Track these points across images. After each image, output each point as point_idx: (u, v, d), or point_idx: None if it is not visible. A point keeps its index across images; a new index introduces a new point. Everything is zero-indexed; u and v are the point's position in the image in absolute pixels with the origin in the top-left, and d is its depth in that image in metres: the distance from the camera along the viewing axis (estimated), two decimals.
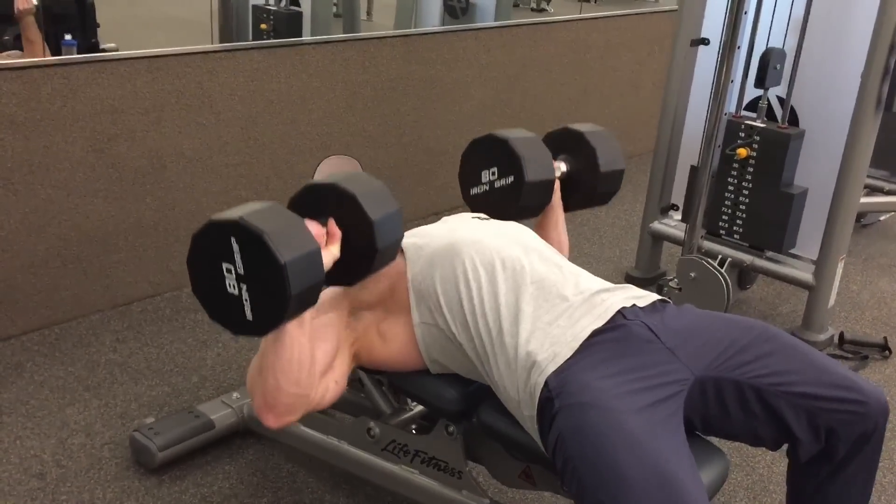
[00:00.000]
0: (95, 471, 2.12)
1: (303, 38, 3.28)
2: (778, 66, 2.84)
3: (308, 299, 1.41)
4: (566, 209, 2.08)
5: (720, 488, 1.57)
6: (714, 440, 1.62)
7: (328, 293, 1.70)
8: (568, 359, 1.47)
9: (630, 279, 3.34)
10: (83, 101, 2.62)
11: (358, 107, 3.37)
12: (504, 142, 1.91)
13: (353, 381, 2.19)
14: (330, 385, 1.61)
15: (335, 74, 3.25)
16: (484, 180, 1.96)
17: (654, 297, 1.65)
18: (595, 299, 1.58)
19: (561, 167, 2.04)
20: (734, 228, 3.01)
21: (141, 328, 2.78)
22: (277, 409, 1.52)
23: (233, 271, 1.36)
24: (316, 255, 1.40)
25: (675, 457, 1.34)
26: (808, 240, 2.93)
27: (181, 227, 2.97)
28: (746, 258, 2.99)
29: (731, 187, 2.97)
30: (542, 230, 2.03)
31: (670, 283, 2.87)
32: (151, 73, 2.74)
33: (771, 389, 1.51)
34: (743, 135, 2.89)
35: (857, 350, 2.92)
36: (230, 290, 1.37)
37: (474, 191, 1.99)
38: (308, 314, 1.47)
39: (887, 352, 2.91)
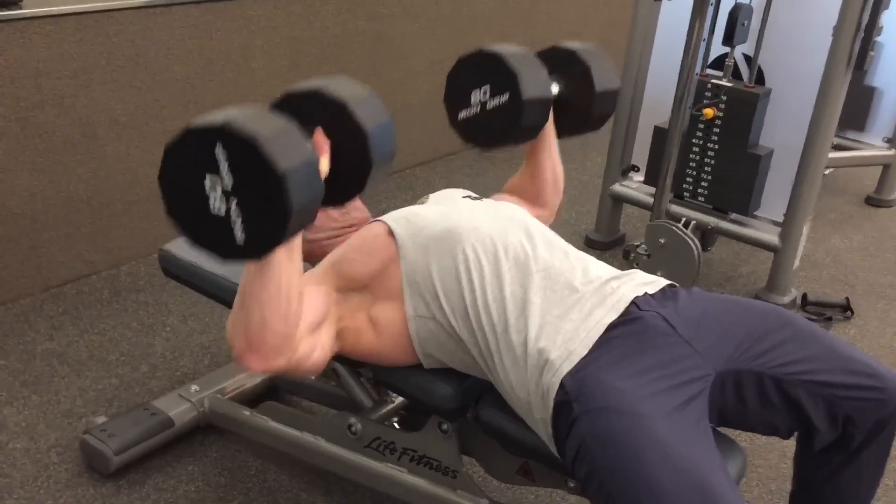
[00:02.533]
0: (44, 479, 1.93)
1: None
2: (745, 23, 2.75)
3: (307, 217, 1.21)
4: (558, 135, 1.90)
5: (739, 483, 1.50)
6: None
7: (316, 269, 1.55)
8: (583, 357, 1.35)
9: (590, 242, 3.26)
10: (3, 64, 2.35)
11: (303, 65, 3.16)
12: (496, 57, 1.72)
13: (329, 372, 2.05)
14: (316, 346, 1.45)
15: (278, 31, 3.02)
16: (474, 101, 1.76)
17: (663, 282, 1.55)
18: (606, 289, 1.46)
19: (553, 88, 1.83)
20: (699, 191, 2.94)
21: (78, 313, 2.55)
22: (263, 349, 1.32)
23: (218, 186, 1.15)
24: (315, 163, 1.21)
25: (710, 463, 1.25)
26: (772, 201, 2.88)
27: (116, 199, 2.74)
28: (711, 221, 2.93)
29: (695, 149, 2.89)
30: (535, 158, 1.88)
31: (638, 249, 2.79)
32: (79, 31, 2.47)
33: (790, 379, 1.43)
34: (709, 94, 2.81)
35: (820, 311, 2.91)
36: (215, 209, 1.16)
37: (463, 114, 1.78)
38: (298, 240, 1.30)
39: (849, 312, 2.90)
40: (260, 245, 1.19)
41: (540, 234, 1.56)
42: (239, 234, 1.17)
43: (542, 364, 1.37)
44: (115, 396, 2.20)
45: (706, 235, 3.06)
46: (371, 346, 1.55)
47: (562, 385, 1.33)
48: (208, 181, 1.15)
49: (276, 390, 2.22)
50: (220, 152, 1.13)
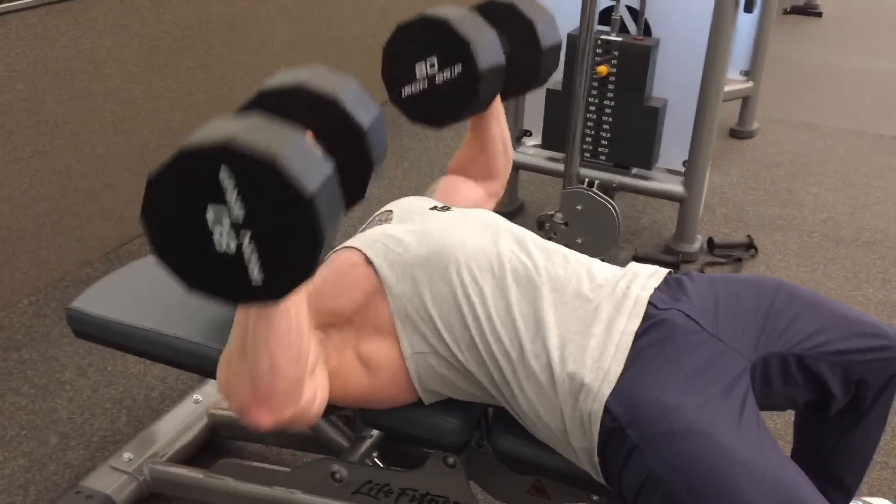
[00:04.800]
0: None
1: None
2: None
3: (331, 242, 1.02)
4: (502, 97, 1.74)
5: None
6: None
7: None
8: (620, 375, 1.25)
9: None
10: None
11: (158, 64, 2.82)
12: (443, 23, 1.51)
13: None
14: (317, 389, 1.25)
15: (128, 28, 2.68)
16: (420, 75, 1.57)
17: (663, 271, 1.46)
18: (617, 292, 1.35)
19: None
20: (599, 150, 2.89)
21: None
22: (273, 399, 1.13)
23: (225, 219, 0.95)
24: (335, 177, 1.01)
25: (786, 469, 1.18)
26: (670, 151, 2.89)
27: None
28: (615, 178, 2.90)
29: (592, 108, 2.84)
30: (482, 128, 1.72)
31: (554, 219, 2.71)
32: None
33: (811, 353, 1.39)
34: (601, 51, 2.75)
35: (727, 254, 2.96)
36: (221, 245, 0.96)
37: (408, 90, 1.58)
38: None
39: (753, 250, 2.97)
40: (283, 283, 0.98)
41: (531, 239, 1.43)
42: (255, 273, 0.96)
43: (577, 389, 1.25)
44: (30, 480, 1.89)
45: (608, 193, 3.02)
46: (362, 389, 1.37)
47: (607, 410, 1.22)
48: (211, 213, 0.94)
49: (218, 438, 1.99)
50: (226, 177, 0.92)
